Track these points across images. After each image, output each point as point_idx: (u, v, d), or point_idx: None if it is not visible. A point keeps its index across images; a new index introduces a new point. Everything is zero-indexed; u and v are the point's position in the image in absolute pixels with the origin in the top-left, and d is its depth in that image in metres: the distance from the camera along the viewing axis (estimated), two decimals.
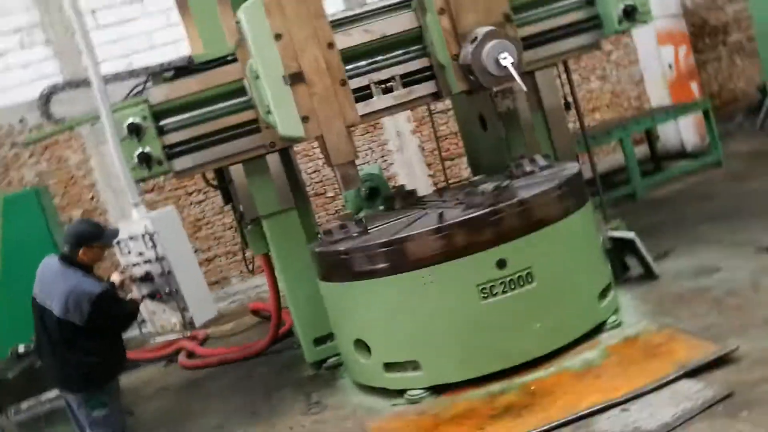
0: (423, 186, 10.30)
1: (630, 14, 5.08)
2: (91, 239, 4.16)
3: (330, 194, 10.21)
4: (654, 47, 10.90)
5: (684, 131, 10.91)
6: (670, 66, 10.84)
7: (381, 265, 4.34)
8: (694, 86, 10.86)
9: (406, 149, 10.56)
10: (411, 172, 10.55)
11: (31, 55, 9.54)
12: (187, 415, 5.74)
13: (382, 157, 10.43)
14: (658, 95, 11.22)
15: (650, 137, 10.13)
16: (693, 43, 11.18)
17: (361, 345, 4.62)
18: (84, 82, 5.26)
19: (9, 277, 7.12)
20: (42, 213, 7.54)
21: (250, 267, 6.65)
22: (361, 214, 5.84)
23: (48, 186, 9.21)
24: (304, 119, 4.46)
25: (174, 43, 9.59)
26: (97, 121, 5.11)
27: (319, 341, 5.52)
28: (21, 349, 5.70)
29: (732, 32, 11.69)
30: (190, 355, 7.38)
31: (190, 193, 9.91)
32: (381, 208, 6.91)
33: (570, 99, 5.97)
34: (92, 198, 9.74)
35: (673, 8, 10.73)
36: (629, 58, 11.40)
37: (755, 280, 4.88)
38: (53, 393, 5.20)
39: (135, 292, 4.53)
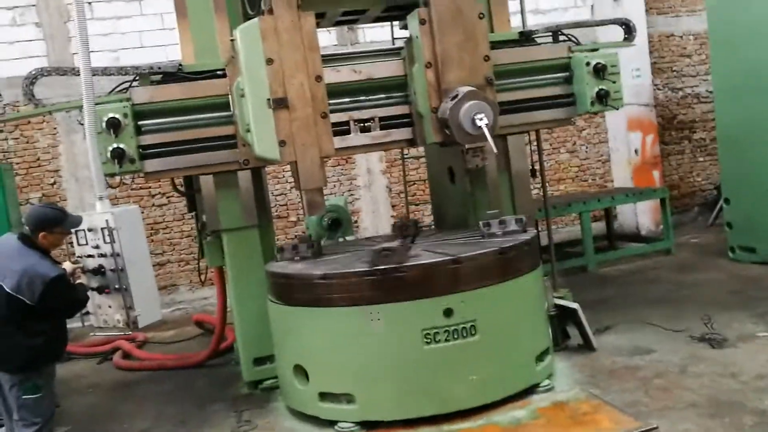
0: (384, 226, 10.49)
1: (603, 98, 5.35)
2: (54, 224, 4.19)
3: (292, 218, 10.31)
4: (624, 131, 11.38)
5: (641, 215, 11.36)
6: (636, 151, 11.32)
7: (332, 295, 4.43)
8: (656, 174, 11.34)
9: (373, 187, 10.74)
10: (376, 209, 10.73)
11: (20, 34, 9.54)
12: (114, 415, 5.71)
13: (350, 191, 10.59)
14: (621, 176, 11.66)
15: (608, 215, 10.48)
16: (660, 133, 11.71)
17: (300, 371, 4.68)
18: (72, 70, 5.31)
19: None
20: (2, 190, 7.48)
21: (203, 277, 6.67)
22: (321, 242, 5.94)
23: (12, 164, 9.13)
24: (282, 143, 4.60)
25: (164, 46, 9.72)
26: (77, 109, 5.13)
27: (258, 361, 5.55)
28: None
29: (697, 130, 12.27)
30: (126, 356, 7.32)
31: (153, 195, 9.91)
32: (341, 239, 7.06)
33: (537, 167, 6.23)
34: (53, 183, 9.68)
35: (646, 98, 11.27)
36: (599, 137, 11.83)
37: (684, 366, 5.11)
38: None
39: (84, 281, 4.53)
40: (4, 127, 9.51)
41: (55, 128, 9.66)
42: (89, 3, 9.59)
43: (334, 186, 10.46)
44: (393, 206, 10.79)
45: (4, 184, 7.60)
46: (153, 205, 9.81)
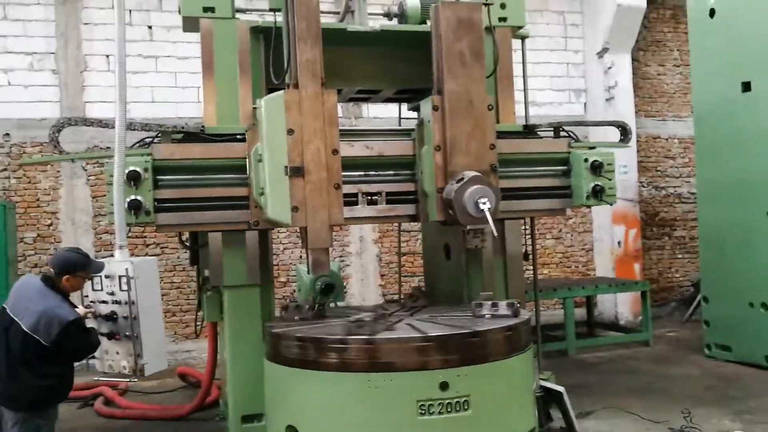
0: (372, 294, 10.67)
1: (598, 193, 5.67)
2: (78, 268, 4.36)
3: (282, 279, 10.45)
4: (608, 223, 11.81)
5: (621, 305, 11.68)
6: (619, 243, 11.72)
7: (332, 360, 4.55)
8: (637, 267, 11.73)
9: (364, 255, 10.97)
10: (365, 278, 10.92)
11: (35, 79, 9.82)
12: None
13: (341, 257, 10.80)
14: (603, 266, 12.02)
15: (590, 303, 10.76)
16: (643, 228, 12.17)
17: None
18: (99, 122, 5.54)
19: None
20: (4, 227, 7.61)
21: (199, 328, 6.76)
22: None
23: (15, 203, 9.29)
24: (294, 209, 4.82)
25: (175, 103, 10.05)
26: (102, 159, 5.33)
27: (246, 419, 5.59)
28: None
29: (678, 228, 12.75)
30: (107, 402, 7.33)
31: (148, 245, 10.06)
32: (333, 304, 7.19)
33: (530, 250, 6.51)
34: (50, 225, 9.80)
35: (631, 194, 11.76)
36: (585, 226, 12.23)
37: None
38: None
39: (94, 326, 4.66)
40: (8, 166, 9.69)
41: (58, 171, 9.86)
42: (107, 57, 9.95)
43: None
44: (382, 275, 10.99)
45: (6, 221, 7.74)
46: (146, 254, 9.94)
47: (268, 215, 4.95)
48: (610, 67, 11.94)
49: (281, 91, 4.92)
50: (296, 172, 4.83)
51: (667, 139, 12.79)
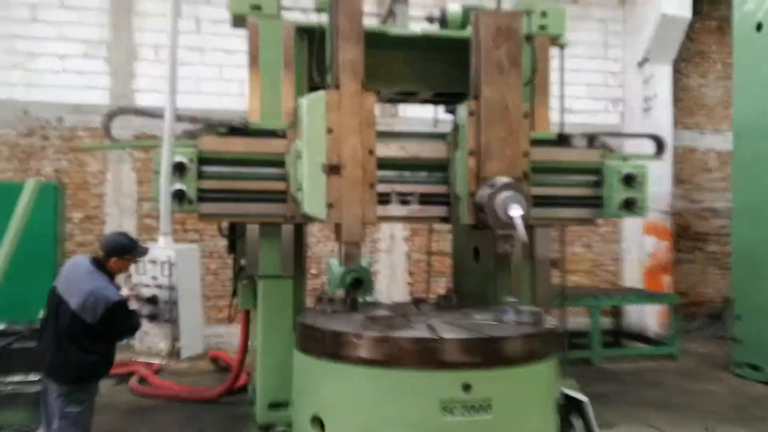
0: (400, 292, 10.82)
1: (630, 205, 5.73)
2: (126, 251, 4.64)
3: (314, 271, 10.66)
4: (639, 234, 11.77)
5: (648, 317, 11.63)
6: (649, 255, 11.65)
7: (361, 355, 4.67)
8: (667, 279, 11.67)
9: (394, 252, 11.12)
10: (393, 275, 11.08)
11: (89, 66, 10.17)
12: None
13: (371, 253, 10.97)
14: (632, 277, 11.98)
15: (617, 313, 10.75)
16: (675, 241, 12.09)
17: (317, 422, 4.85)
18: (148, 111, 5.77)
19: None
20: (54, 208, 7.93)
21: (232, 315, 6.97)
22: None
23: (65, 184, 9.66)
24: (329, 206, 4.98)
25: (219, 95, 10.31)
26: (152, 147, 5.52)
27: (273, 406, 5.76)
28: (1, 327, 5.95)
29: (711, 242, 12.65)
30: (141, 380, 7.60)
31: (187, 231, 10.35)
32: (363, 299, 7.34)
33: (558, 258, 6.60)
34: (96, 207, 10.15)
35: (664, 206, 11.69)
36: (615, 236, 12.22)
37: None
38: (19, 377, 5.44)
39: (136, 308, 4.91)
40: (60, 148, 10.05)
41: (104, 155, 10.19)
42: (156, 47, 10.24)
43: None
44: (410, 273, 11.14)
45: (56, 202, 8.06)
46: (186, 240, 10.23)
47: (304, 210, 5.10)
48: (649, 78, 11.89)
49: (322, 91, 5.06)
50: (333, 170, 4.99)
51: (704, 152, 12.71)
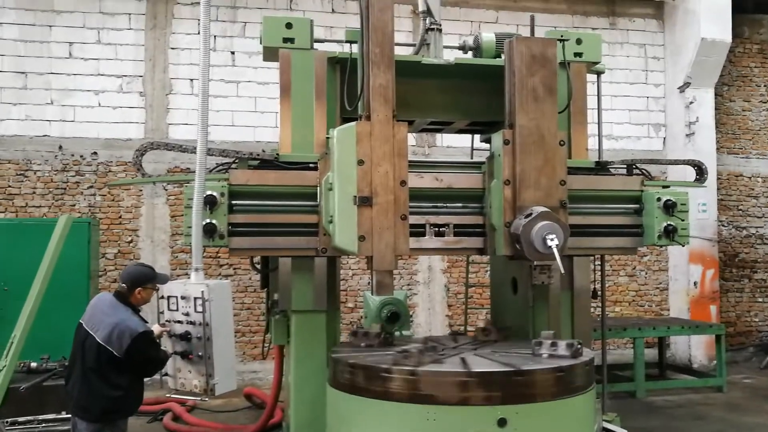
0: (438, 325, 10.65)
1: (670, 233, 5.53)
2: (148, 280, 4.69)
3: (350, 305, 10.57)
4: (685, 263, 11.44)
5: (694, 348, 11.27)
6: (695, 284, 11.33)
7: (390, 390, 4.57)
8: (713, 309, 11.30)
9: (432, 284, 10.98)
10: (432, 307, 10.92)
11: (123, 101, 10.33)
12: None
13: (408, 285, 10.83)
14: (678, 307, 11.64)
15: (662, 344, 10.43)
16: (721, 269, 11.73)
17: None
18: (178, 146, 5.77)
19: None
20: (88, 243, 7.99)
21: (265, 352, 6.90)
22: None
23: (99, 220, 9.75)
24: (361, 238, 4.90)
25: (253, 127, 10.38)
26: (181, 183, 5.52)
27: None
28: (33, 365, 5.96)
29: (759, 270, 12.23)
30: (176, 418, 7.54)
31: (221, 265, 10.35)
32: (399, 333, 7.21)
33: (598, 288, 6.39)
34: (130, 242, 10.23)
35: (710, 233, 11.37)
36: (660, 265, 11.90)
37: None
38: (52, 415, 5.42)
39: (168, 347, 4.87)
40: (94, 183, 10.18)
41: (140, 190, 10.30)
42: (191, 80, 10.37)
43: (395, 279, 10.70)
44: (449, 306, 10.96)
45: (90, 237, 8.12)
46: (220, 274, 10.24)
47: (335, 243, 5.03)
48: (691, 102, 11.66)
49: (353, 122, 5.03)
50: (364, 201, 4.91)
51: (750, 178, 12.37)
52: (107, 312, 4.58)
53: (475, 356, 4.97)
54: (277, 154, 5.62)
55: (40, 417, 5.55)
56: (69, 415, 4.85)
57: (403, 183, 4.97)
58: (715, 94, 11.96)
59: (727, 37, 11.40)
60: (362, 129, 4.96)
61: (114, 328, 4.47)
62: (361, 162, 4.93)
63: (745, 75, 12.63)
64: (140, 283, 4.73)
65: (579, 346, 4.90)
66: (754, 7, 12.49)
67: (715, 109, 11.88)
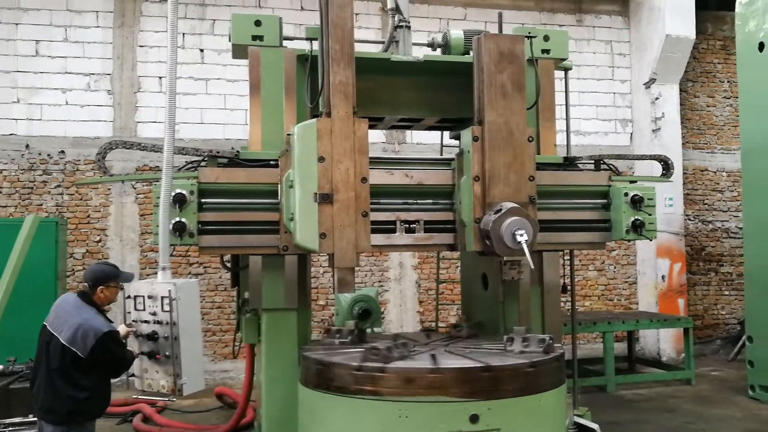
0: (410, 321, 10.67)
1: (638, 228, 5.60)
2: (110, 279, 4.65)
3: (321, 302, 10.54)
4: (653, 257, 11.61)
5: (663, 341, 11.44)
6: (663, 278, 11.50)
7: (362, 387, 4.57)
8: (681, 302, 11.48)
9: (403, 281, 10.99)
10: (403, 303, 10.94)
11: (91, 99, 10.18)
12: None
13: (380, 282, 10.83)
14: (646, 301, 11.80)
15: (631, 338, 10.56)
16: (688, 263, 11.92)
17: None
18: (142, 145, 5.69)
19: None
20: (55, 243, 7.87)
21: (235, 350, 6.84)
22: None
23: (66, 219, 9.60)
24: (322, 235, 4.84)
25: (223, 125, 10.29)
26: (149, 182, 5.46)
27: None
28: None
29: (725, 264, 12.46)
30: (146, 420, 7.46)
31: (192, 264, 10.25)
32: (371, 330, 7.22)
33: (568, 283, 6.46)
34: (99, 241, 10.08)
35: (676, 227, 11.55)
36: (628, 259, 12.05)
37: None
38: (18, 419, 5.33)
39: (134, 348, 4.81)
40: (62, 183, 10.02)
41: (108, 189, 10.15)
42: (160, 78, 10.25)
43: (366, 275, 10.74)
44: (420, 302, 10.99)
45: (58, 238, 8.00)
46: (189, 273, 10.14)
47: (296, 241, 4.96)
48: (657, 98, 11.82)
49: (314, 119, 4.97)
50: (325, 199, 4.84)
51: (715, 172, 12.58)
52: (71, 312, 4.50)
53: (446, 352, 4.99)
54: (238, 152, 5.54)
55: (6, 421, 5.43)
56: (35, 419, 4.76)
57: (364, 180, 4.90)
58: (680, 90, 12.14)
59: (691, 33, 11.58)
60: (323, 126, 4.89)
61: (78, 329, 4.39)
62: (321, 159, 4.85)
63: (709, 71, 12.83)
64: (102, 281, 4.65)
65: (550, 341, 4.94)
66: (717, 4, 12.69)
67: (680, 104, 12.07)
